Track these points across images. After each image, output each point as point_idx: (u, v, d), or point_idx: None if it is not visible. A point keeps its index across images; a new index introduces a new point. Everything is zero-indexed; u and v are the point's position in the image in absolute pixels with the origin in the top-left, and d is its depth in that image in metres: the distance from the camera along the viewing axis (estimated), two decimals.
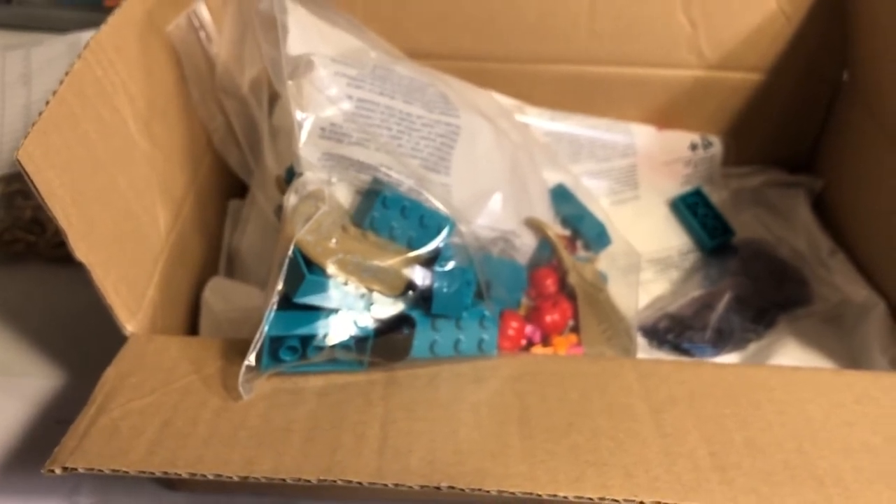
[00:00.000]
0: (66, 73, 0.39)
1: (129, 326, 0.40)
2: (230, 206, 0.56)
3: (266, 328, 0.35)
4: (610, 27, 0.60)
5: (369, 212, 0.38)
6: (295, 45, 0.39)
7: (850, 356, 0.52)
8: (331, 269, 0.36)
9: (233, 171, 0.54)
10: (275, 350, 0.36)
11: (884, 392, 0.38)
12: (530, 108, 0.61)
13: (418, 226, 0.39)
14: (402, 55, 0.48)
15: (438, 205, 0.40)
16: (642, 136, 0.63)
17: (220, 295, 0.48)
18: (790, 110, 0.63)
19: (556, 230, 0.50)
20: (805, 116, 0.64)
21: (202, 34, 0.51)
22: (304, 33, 0.40)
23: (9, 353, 0.54)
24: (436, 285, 0.37)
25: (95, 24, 0.43)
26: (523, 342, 0.43)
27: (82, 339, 0.54)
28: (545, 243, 0.47)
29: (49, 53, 0.77)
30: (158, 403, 0.35)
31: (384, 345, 0.37)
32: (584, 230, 0.51)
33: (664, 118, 0.63)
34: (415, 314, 0.38)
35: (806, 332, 0.54)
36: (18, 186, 0.64)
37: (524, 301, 0.45)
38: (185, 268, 0.48)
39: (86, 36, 0.79)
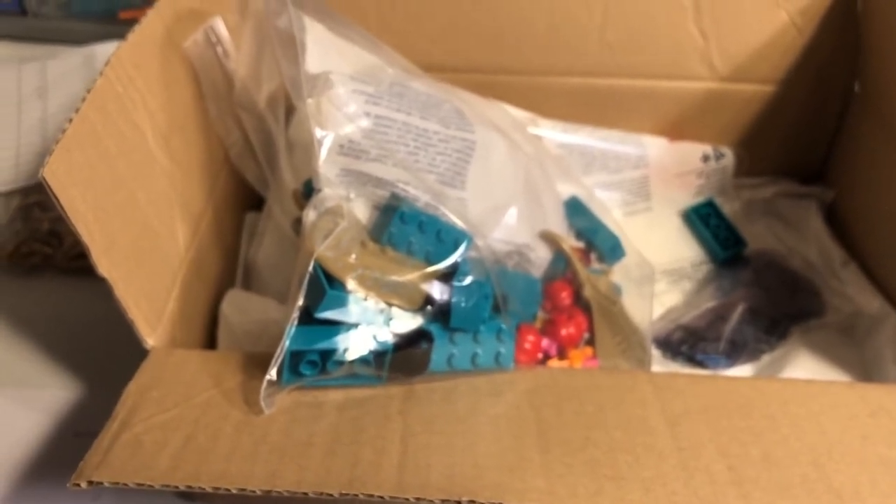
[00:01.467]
0: (88, 91, 0.39)
1: (150, 340, 0.40)
2: (247, 219, 0.56)
3: (287, 343, 0.36)
4: (621, 39, 0.60)
5: (387, 227, 0.39)
6: (313, 62, 0.39)
7: (863, 367, 0.52)
8: (351, 284, 0.36)
9: (249, 185, 0.55)
10: (295, 364, 0.36)
11: None
12: (543, 121, 0.61)
13: (436, 240, 0.39)
14: (417, 70, 0.48)
15: (455, 219, 0.40)
16: (654, 147, 0.63)
17: (238, 307, 0.48)
18: (802, 121, 0.64)
19: (571, 243, 0.50)
20: (816, 127, 0.64)
21: (219, 49, 0.51)
22: (323, 51, 0.40)
23: (26, 364, 0.55)
24: (454, 300, 0.38)
25: (110, 36, 0.44)
26: (539, 356, 0.43)
27: (99, 350, 0.54)
28: (560, 256, 0.47)
29: (64, 66, 0.78)
30: (180, 418, 0.36)
31: (403, 359, 0.37)
32: (598, 243, 0.51)
33: (676, 130, 0.64)
34: (433, 328, 0.38)
35: (819, 343, 0.54)
36: (36, 199, 0.65)
37: (540, 314, 0.46)
38: (203, 281, 0.49)
39: (101, 48, 0.80)
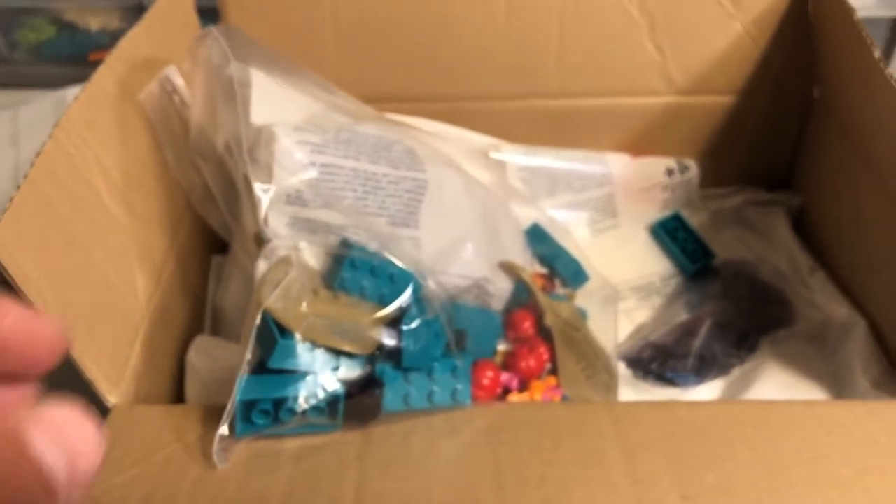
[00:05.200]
0: (37, 155, 0.39)
1: (112, 398, 0.40)
2: (213, 262, 0.57)
3: (237, 394, 0.36)
4: (579, 60, 0.61)
5: (338, 273, 0.39)
6: (258, 114, 0.40)
7: (833, 376, 0.52)
8: (301, 333, 0.37)
9: (214, 229, 0.55)
10: (247, 414, 0.37)
11: (856, 422, 0.38)
12: (506, 145, 0.62)
13: (389, 283, 0.40)
14: (369, 110, 0.49)
15: (399, 263, 0.41)
16: (618, 164, 0.63)
17: (205, 354, 0.49)
18: (764, 129, 0.64)
19: (536, 269, 0.51)
20: (779, 134, 0.64)
21: (176, 98, 0.52)
22: (268, 102, 0.41)
23: None
24: (404, 343, 0.38)
25: (81, 79, 0.44)
26: (499, 391, 0.43)
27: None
28: (521, 286, 0.48)
29: (36, 112, 0.79)
30: (140, 477, 0.36)
31: (355, 406, 0.37)
32: (561, 268, 0.51)
33: (640, 145, 0.64)
34: (386, 368, 0.39)
35: (789, 353, 0.54)
36: None
37: (503, 346, 0.46)
38: (169, 331, 0.49)
39: (71, 92, 0.81)
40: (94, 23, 0.85)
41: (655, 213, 0.64)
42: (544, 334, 0.47)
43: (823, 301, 0.56)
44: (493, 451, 0.37)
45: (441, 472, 0.36)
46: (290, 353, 0.37)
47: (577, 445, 0.37)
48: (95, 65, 0.47)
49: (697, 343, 0.54)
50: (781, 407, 0.39)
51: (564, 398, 0.45)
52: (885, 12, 0.77)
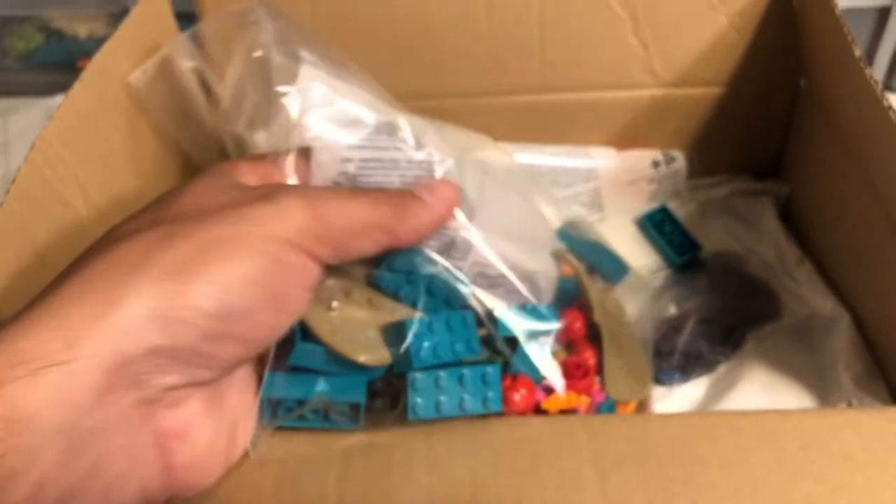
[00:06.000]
0: (12, 181, 0.39)
1: None
2: None
3: (263, 391, 0.37)
4: (562, 55, 0.60)
5: (375, 271, 0.40)
6: (297, 101, 0.39)
7: (818, 373, 0.52)
8: (325, 335, 0.37)
9: None
10: (273, 409, 0.38)
11: (832, 434, 0.38)
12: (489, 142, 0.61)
13: (426, 292, 0.40)
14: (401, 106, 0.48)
15: (442, 261, 0.40)
16: (603, 158, 0.63)
17: None
18: (751, 119, 0.63)
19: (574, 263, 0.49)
20: (766, 124, 0.64)
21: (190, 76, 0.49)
22: (312, 92, 0.40)
23: None
24: (425, 343, 0.38)
25: (70, 86, 0.44)
26: (530, 411, 0.43)
27: None
28: (567, 281, 0.46)
29: (25, 121, 0.79)
30: None
31: (377, 407, 0.39)
32: (599, 263, 0.50)
33: (626, 139, 0.64)
34: (417, 375, 0.39)
35: (774, 349, 0.54)
36: None
37: (556, 346, 0.44)
38: None
39: (60, 100, 0.80)
40: (81, 30, 0.85)
41: (643, 206, 0.64)
42: (592, 332, 0.46)
43: (809, 294, 0.56)
44: (470, 473, 0.37)
45: (417, 499, 0.36)
46: (310, 353, 0.38)
47: (553, 465, 0.37)
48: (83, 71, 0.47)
49: (682, 340, 0.54)
50: (756, 418, 0.39)
51: (605, 400, 0.45)
52: (871, 2, 0.75)
